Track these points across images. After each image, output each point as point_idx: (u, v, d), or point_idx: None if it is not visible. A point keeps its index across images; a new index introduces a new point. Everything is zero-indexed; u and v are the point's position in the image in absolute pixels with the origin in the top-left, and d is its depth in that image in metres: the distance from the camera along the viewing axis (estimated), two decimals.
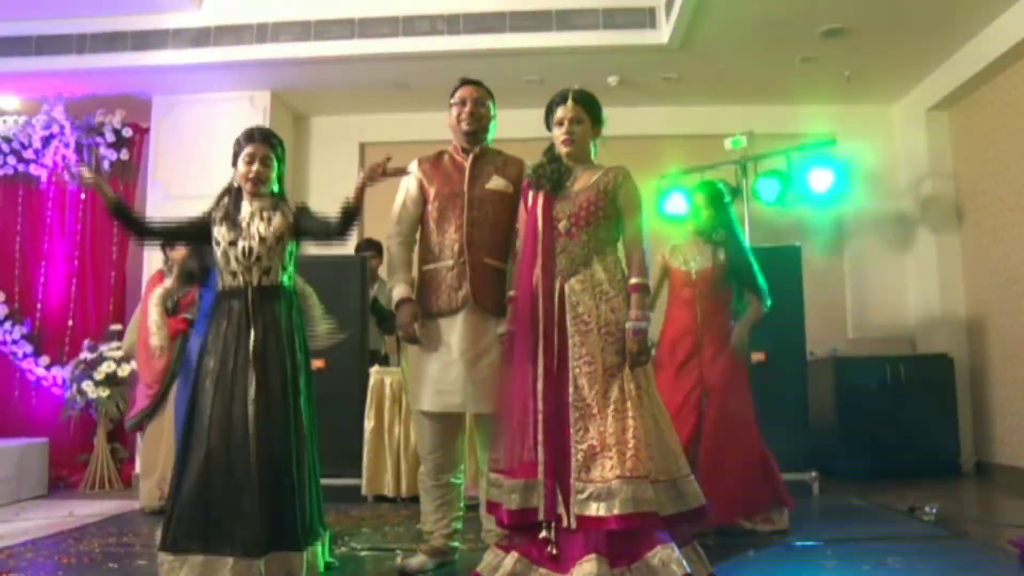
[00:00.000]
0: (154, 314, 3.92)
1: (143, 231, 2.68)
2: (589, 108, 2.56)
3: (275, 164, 2.58)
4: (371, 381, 4.30)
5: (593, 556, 2.22)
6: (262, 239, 2.50)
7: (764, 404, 3.38)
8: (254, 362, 2.43)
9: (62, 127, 5.49)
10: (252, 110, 5.38)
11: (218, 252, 2.54)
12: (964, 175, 5.32)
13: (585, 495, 2.29)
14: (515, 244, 2.70)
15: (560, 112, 2.54)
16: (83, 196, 5.60)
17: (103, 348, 5.01)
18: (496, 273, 2.69)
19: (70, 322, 5.50)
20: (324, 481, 2.70)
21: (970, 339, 5.23)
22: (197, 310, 3.79)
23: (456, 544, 2.81)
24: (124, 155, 5.58)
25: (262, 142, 2.57)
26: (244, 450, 2.37)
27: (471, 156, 2.77)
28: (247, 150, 2.55)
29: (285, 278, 2.56)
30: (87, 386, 4.88)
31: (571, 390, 2.38)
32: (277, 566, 2.38)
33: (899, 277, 5.66)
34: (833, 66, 5.02)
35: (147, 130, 5.59)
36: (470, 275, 2.65)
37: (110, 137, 5.53)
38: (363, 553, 3.04)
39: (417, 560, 2.71)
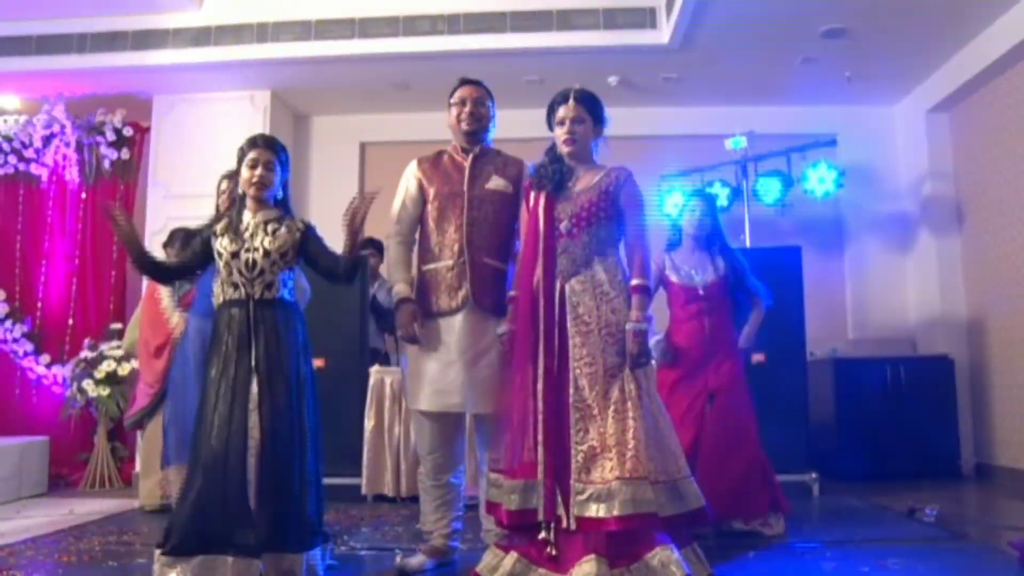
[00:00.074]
0: (165, 298, 3.97)
1: (162, 273, 2.72)
2: (590, 107, 2.55)
3: (278, 169, 2.58)
4: (371, 381, 4.31)
5: (592, 557, 2.22)
6: (266, 252, 2.50)
7: (764, 405, 3.38)
8: (257, 371, 2.43)
9: (63, 126, 5.50)
10: (252, 110, 5.38)
11: (220, 263, 2.54)
12: (965, 176, 5.31)
13: (585, 496, 2.29)
14: (516, 244, 2.70)
15: (561, 112, 2.54)
16: (83, 195, 5.60)
17: (103, 347, 5.01)
18: (496, 273, 2.70)
19: (70, 321, 5.50)
20: (324, 480, 2.69)
21: (970, 340, 5.22)
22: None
23: (456, 544, 2.81)
24: (125, 154, 5.58)
25: (265, 147, 2.57)
26: (244, 455, 2.37)
27: (471, 156, 2.76)
28: (250, 155, 2.55)
29: (286, 293, 2.57)
30: (87, 385, 4.88)
31: (571, 391, 2.38)
32: (277, 566, 2.39)
33: (899, 278, 5.66)
34: (834, 67, 5.02)
35: (148, 129, 5.59)
36: (470, 275, 2.65)
37: (111, 136, 5.54)
38: (363, 552, 3.04)
39: (416, 560, 2.71)
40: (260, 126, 5.16)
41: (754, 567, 2.75)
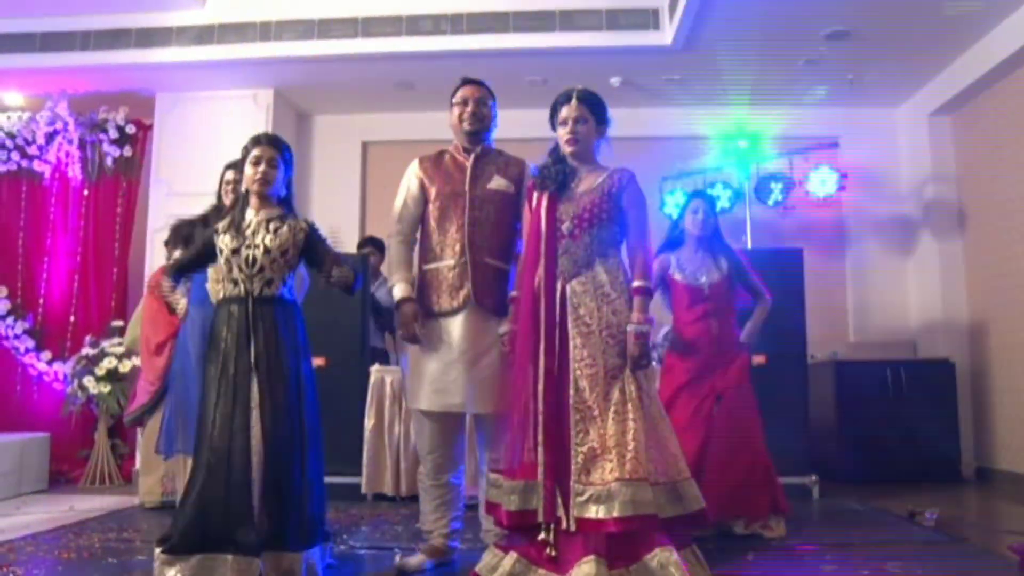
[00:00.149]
0: (165, 285, 3.96)
1: (184, 272, 2.78)
2: (593, 108, 2.55)
3: (282, 167, 2.59)
4: (371, 379, 4.31)
5: (592, 558, 2.22)
6: (267, 250, 2.50)
7: (765, 407, 3.38)
8: (256, 368, 2.44)
9: (66, 123, 5.50)
10: (255, 108, 5.39)
11: (221, 260, 2.55)
12: (967, 179, 5.31)
13: (584, 497, 2.29)
14: (518, 245, 2.70)
15: (564, 112, 2.54)
16: (86, 192, 5.61)
17: (105, 344, 5.02)
18: (497, 273, 2.70)
19: (72, 317, 5.51)
20: (324, 479, 2.70)
21: (972, 344, 5.22)
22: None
23: (455, 544, 2.81)
24: (127, 152, 5.59)
25: (269, 145, 2.59)
26: (247, 454, 2.37)
27: (472, 156, 2.77)
28: (254, 152, 2.56)
29: (286, 290, 2.57)
30: (88, 381, 4.89)
31: (572, 392, 2.38)
32: (277, 565, 2.39)
33: (901, 281, 5.65)
34: (836, 69, 5.01)
35: (150, 127, 5.59)
36: (471, 275, 2.65)
37: (113, 134, 5.54)
38: (362, 552, 3.04)
39: (416, 559, 2.71)
40: (263, 125, 5.17)
41: (753, 569, 2.75)
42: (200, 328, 3.16)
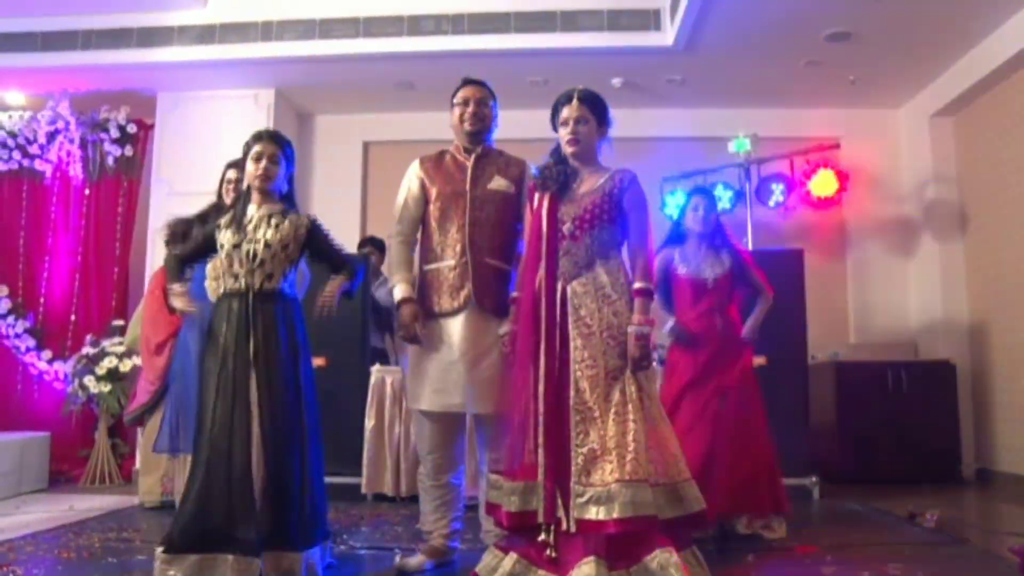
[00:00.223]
0: (176, 290, 3.94)
1: (187, 263, 2.72)
2: (595, 108, 2.54)
3: (283, 163, 2.60)
4: (372, 380, 4.31)
5: (592, 559, 2.22)
6: (267, 244, 2.51)
7: (766, 407, 3.38)
8: (255, 364, 2.44)
9: (67, 123, 5.51)
10: (256, 108, 5.39)
11: (221, 255, 2.55)
12: (968, 181, 5.30)
13: (585, 499, 2.29)
14: (519, 246, 2.70)
15: (565, 112, 2.53)
16: (87, 192, 5.61)
17: (105, 343, 5.02)
18: (498, 273, 2.70)
19: (73, 317, 5.51)
20: (324, 479, 2.70)
21: (972, 345, 5.22)
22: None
23: (455, 545, 2.81)
24: (128, 151, 5.60)
25: (270, 141, 2.60)
26: (247, 451, 2.37)
27: (473, 156, 2.76)
28: (255, 148, 2.57)
29: (286, 285, 2.57)
30: (89, 381, 4.89)
31: (572, 393, 2.37)
32: (277, 565, 2.39)
33: (902, 282, 5.65)
34: (838, 70, 5.01)
35: (151, 126, 5.60)
36: (472, 275, 2.65)
37: (114, 133, 5.55)
38: (362, 552, 3.04)
39: (416, 560, 2.71)
40: (264, 124, 5.16)
41: (753, 571, 2.75)
42: (200, 327, 3.16)
